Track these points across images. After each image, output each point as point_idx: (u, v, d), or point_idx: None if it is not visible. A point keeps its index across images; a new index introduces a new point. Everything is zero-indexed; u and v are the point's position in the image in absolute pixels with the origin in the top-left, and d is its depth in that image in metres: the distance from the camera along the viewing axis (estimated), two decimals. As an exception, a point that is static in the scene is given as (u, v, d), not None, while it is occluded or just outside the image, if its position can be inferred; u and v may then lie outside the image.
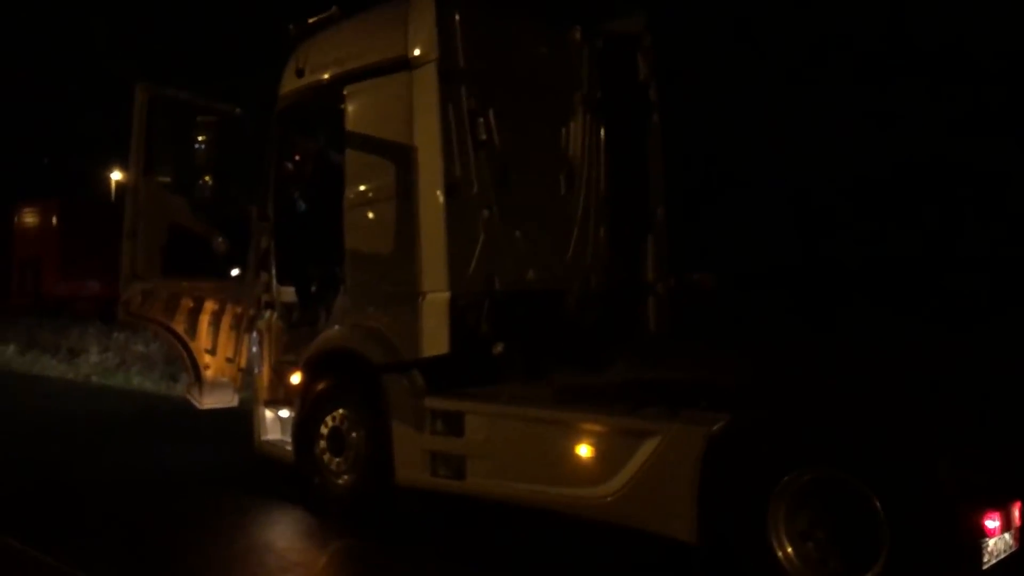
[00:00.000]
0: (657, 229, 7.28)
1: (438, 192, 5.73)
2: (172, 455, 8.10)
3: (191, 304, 6.68)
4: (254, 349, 6.94)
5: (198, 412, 7.47)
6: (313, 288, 6.72)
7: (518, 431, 5.30)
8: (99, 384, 14.07)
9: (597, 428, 5.00)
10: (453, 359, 5.78)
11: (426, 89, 5.74)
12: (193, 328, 6.71)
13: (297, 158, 6.87)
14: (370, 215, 6.14)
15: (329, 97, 6.54)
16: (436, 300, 5.74)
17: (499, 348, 6.11)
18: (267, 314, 7.06)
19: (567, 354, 6.51)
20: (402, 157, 5.89)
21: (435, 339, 5.73)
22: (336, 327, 6.49)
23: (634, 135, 7.32)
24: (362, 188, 6.20)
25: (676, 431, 4.66)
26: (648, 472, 4.72)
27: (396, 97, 5.95)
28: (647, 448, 4.73)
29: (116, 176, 41.06)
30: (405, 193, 5.88)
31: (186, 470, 7.51)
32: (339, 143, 6.63)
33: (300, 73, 6.58)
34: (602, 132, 7.04)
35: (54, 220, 25.74)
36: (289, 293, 6.96)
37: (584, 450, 4.96)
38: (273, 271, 6.98)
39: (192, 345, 6.71)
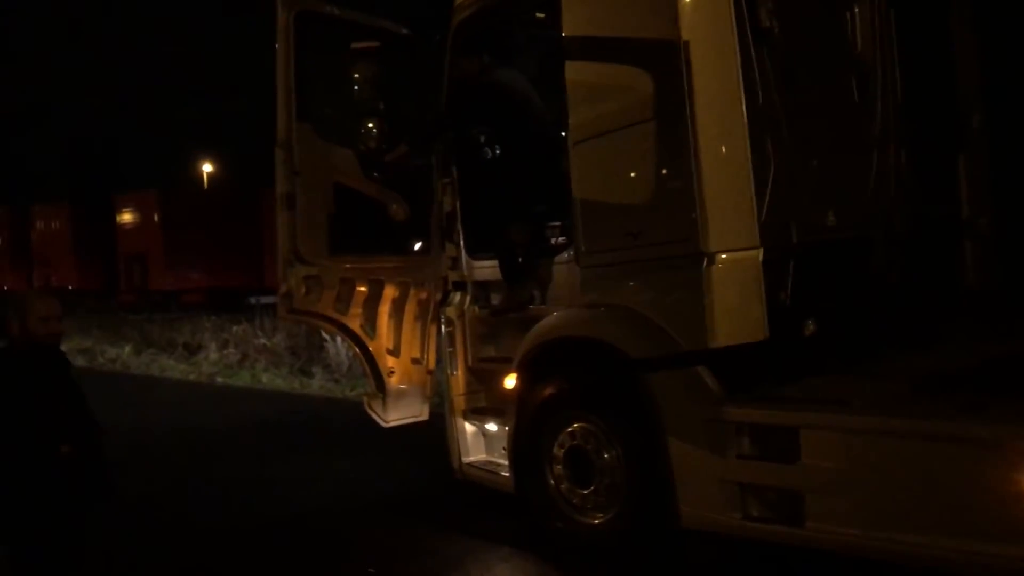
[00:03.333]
0: (972, 145, 5.33)
1: (731, 104, 3.92)
2: (350, 476, 6.56)
3: (367, 292, 5.04)
4: (447, 347, 5.27)
5: (353, 418, 5.88)
6: (520, 258, 4.98)
7: (906, 456, 3.47)
8: (225, 385, 12.76)
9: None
10: (762, 348, 4.00)
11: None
12: (372, 323, 5.08)
13: (484, 88, 5.10)
14: (610, 150, 4.36)
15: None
16: (739, 263, 3.94)
17: (811, 327, 4.31)
18: (456, 298, 5.40)
19: (881, 325, 4.70)
20: (662, 60, 4.08)
21: (741, 319, 3.95)
22: (564, 310, 4.77)
23: (935, 15, 5.39)
24: (595, 113, 4.41)
25: None
26: None
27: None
28: None
29: (207, 168, 40.71)
30: (669, 113, 4.07)
31: (371, 496, 5.97)
32: (548, 63, 4.88)
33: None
34: (892, 14, 5.10)
35: (156, 212, 24.93)
36: (485, 269, 5.27)
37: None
38: (461, 241, 5.31)
39: (372, 346, 5.09)
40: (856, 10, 4.94)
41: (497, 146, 5.16)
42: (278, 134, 4.66)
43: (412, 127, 5.23)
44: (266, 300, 19.43)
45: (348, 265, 4.95)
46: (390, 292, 5.14)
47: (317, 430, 8.67)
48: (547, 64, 5.21)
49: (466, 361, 5.34)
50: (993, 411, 3.40)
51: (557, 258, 4.85)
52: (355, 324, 5.05)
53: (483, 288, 5.34)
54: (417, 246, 5.31)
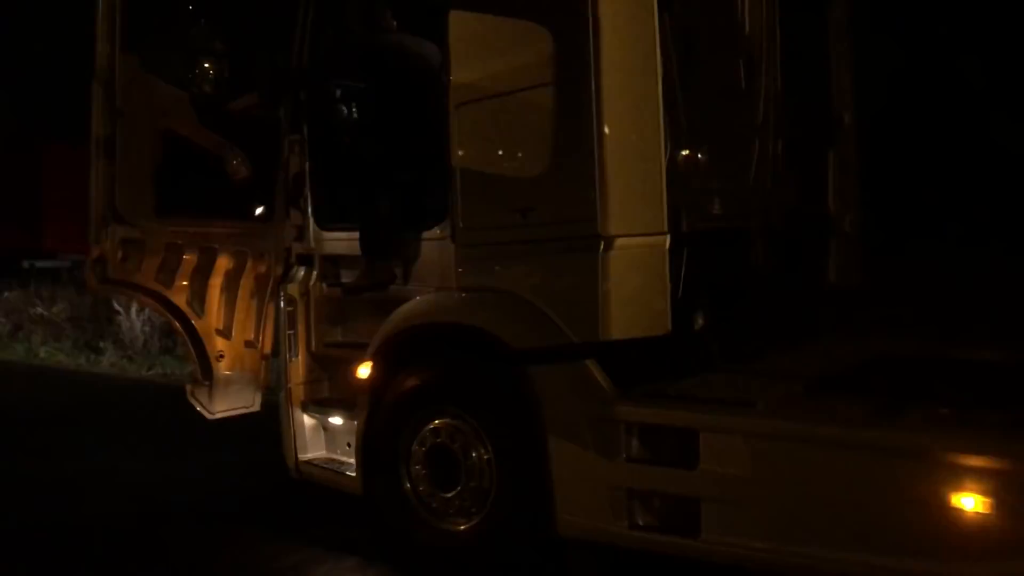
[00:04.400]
0: (842, 143, 5.29)
1: (645, 72, 3.53)
2: (158, 473, 5.68)
3: (196, 261, 4.28)
4: (287, 329, 4.59)
5: (156, 401, 5.08)
6: (383, 231, 4.39)
7: (817, 464, 3.22)
8: (-7, 359, 11.21)
9: (989, 464, 2.98)
10: (648, 343, 3.67)
11: None
12: (201, 299, 4.32)
13: (346, 31, 4.46)
14: (499, 115, 3.87)
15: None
16: (642, 249, 3.57)
17: (700, 321, 4.04)
18: (300, 273, 4.72)
19: (757, 321, 4.53)
20: (564, 17, 3.64)
21: (640, 311, 3.59)
22: (434, 292, 4.24)
23: (813, 9, 5.29)
24: (483, 73, 3.91)
25: None
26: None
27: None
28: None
29: None
30: (570, 77, 3.63)
31: (188, 494, 5.17)
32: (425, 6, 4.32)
33: None
34: (777, 4, 4.93)
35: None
36: (337, 241, 4.64)
37: (968, 501, 2.94)
38: (309, 208, 4.65)
39: (199, 325, 4.33)
40: (745, -9, 4.74)
41: (358, 102, 4.54)
42: (96, 64, 3.82)
43: (260, 72, 4.49)
44: (43, 264, 17.50)
45: (176, 229, 4.18)
46: (224, 263, 4.41)
47: (111, 416, 7.60)
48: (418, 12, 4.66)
49: (309, 345, 4.68)
50: (908, 418, 3.24)
51: (427, 233, 4.31)
52: (180, 299, 4.29)
53: (333, 263, 4.69)
54: (259, 211, 4.59)
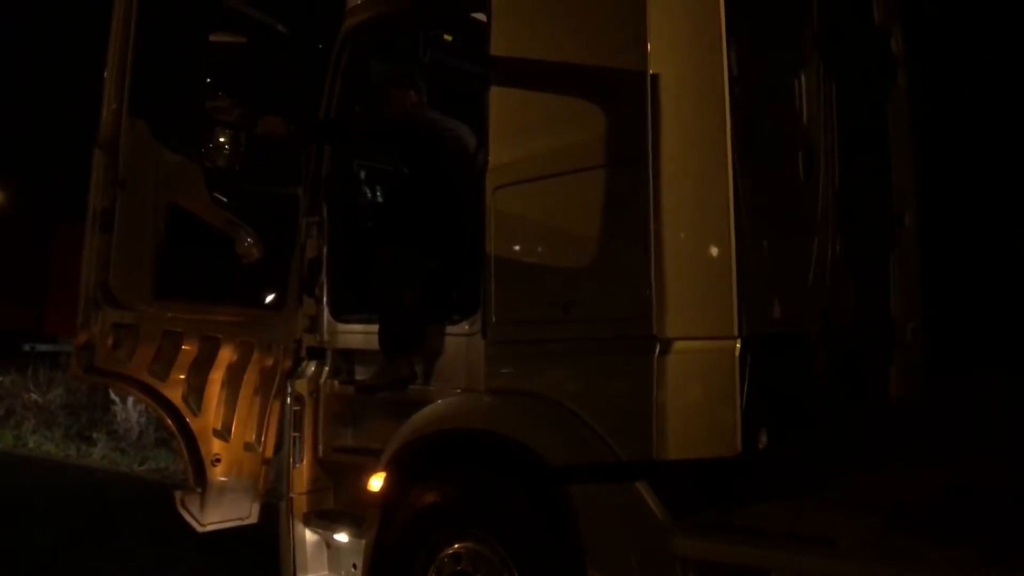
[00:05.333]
0: (904, 244, 4.88)
1: (714, 156, 3.15)
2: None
3: (196, 352, 3.83)
4: (292, 431, 4.10)
5: (143, 498, 4.53)
6: (404, 325, 3.94)
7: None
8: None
9: None
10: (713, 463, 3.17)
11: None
12: (198, 394, 3.86)
13: (374, 106, 4.12)
14: (541, 199, 3.47)
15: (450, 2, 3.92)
16: (706, 354, 3.11)
17: (764, 439, 3.54)
18: (310, 368, 4.26)
19: (824, 440, 4.03)
20: (620, 95, 3.28)
21: (704, 427, 3.11)
22: (459, 395, 3.77)
23: (872, 102, 4.96)
24: (524, 153, 3.53)
25: None
26: None
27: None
28: None
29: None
30: (625, 160, 3.25)
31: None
32: (466, 81, 4.00)
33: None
34: (833, 89, 4.60)
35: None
36: (352, 334, 4.19)
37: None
38: (325, 297, 4.22)
39: (195, 425, 3.86)
40: (803, 77, 4.41)
41: (384, 183, 4.16)
42: (100, 129, 3.46)
43: (276, 146, 4.12)
44: (43, 348, 17.08)
45: (176, 314, 3.74)
46: (227, 354, 3.95)
47: (90, 513, 7.02)
48: (450, 90, 4.34)
49: (315, 450, 4.19)
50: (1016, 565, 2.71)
51: (453, 328, 3.86)
52: (175, 394, 3.81)
53: (346, 358, 4.24)
54: (269, 298, 4.16)
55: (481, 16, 4.19)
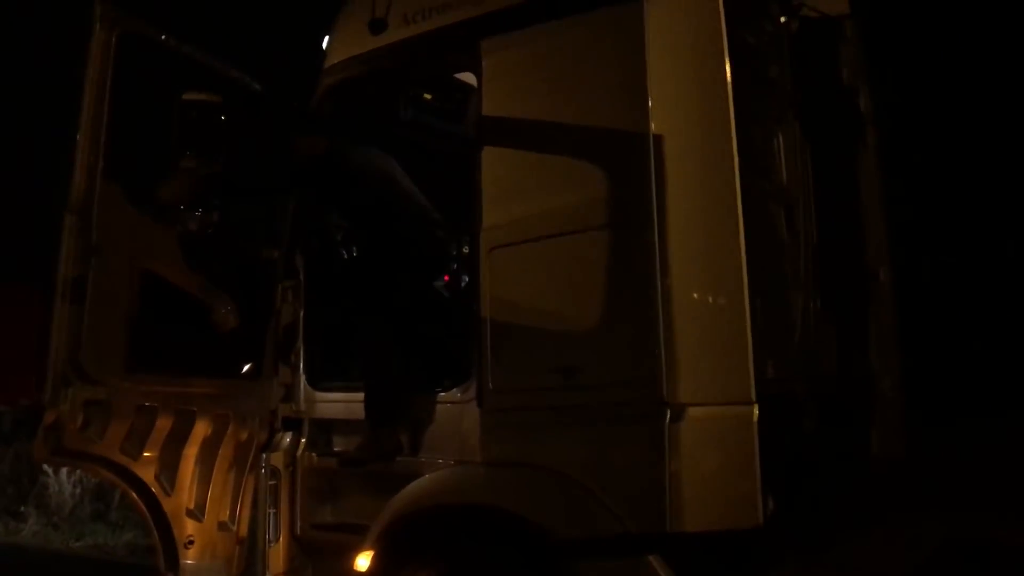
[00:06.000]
0: (879, 300, 4.91)
1: (723, 212, 3.09)
2: None
3: (171, 425, 3.58)
4: (268, 507, 3.85)
5: None
6: (392, 393, 3.76)
7: None
8: None
9: None
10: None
11: (698, 17, 3.12)
12: (172, 473, 3.60)
13: (350, 166, 3.98)
14: (539, 260, 3.37)
15: (435, 61, 3.83)
16: (722, 421, 3.01)
17: (772, 505, 3.45)
18: (285, 440, 4.04)
19: (820, 501, 3.97)
20: (621, 154, 3.22)
21: (720, 497, 3.00)
22: (452, 467, 3.59)
23: (843, 160, 5.01)
24: (520, 213, 3.43)
25: None
26: None
27: (597, 47, 3.30)
28: None
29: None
30: (628, 219, 3.17)
31: None
32: (448, 140, 3.90)
33: (378, 26, 3.77)
34: (808, 149, 4.66)
35: None
36: (331, 403, 3.99)
37: None
38: (302, 364, 4.02)
39: (168, 505, 3.59)
40: (780, 137, 4.45)
41: (363, 243, 4.01)
42: (72, 193, 3.25)
43: (256, 208, 3.95)
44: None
45: (150, 388, 3.50)
46: (202, 429, 3.72)
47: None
48: (433, 152, 4.25)
49: (293, 527, 3.95)
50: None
51: (445, 395, 3.70)
52: (148, 473, 3.56)
53: (325, 429, 4.04)
54: (245, 368, 3.94)
55: (464, 77, 4.15)
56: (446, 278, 4.41)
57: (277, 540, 3.94)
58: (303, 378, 4.03)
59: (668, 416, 3.02)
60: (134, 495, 3.63)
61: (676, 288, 3.05)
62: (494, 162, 3.51)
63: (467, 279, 3.86)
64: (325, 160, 4.00)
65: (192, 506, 3.75)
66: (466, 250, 3.95)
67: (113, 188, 3.40)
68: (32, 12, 16.50)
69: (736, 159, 3.11)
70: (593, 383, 3.22)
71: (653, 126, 3.13)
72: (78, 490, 9.53)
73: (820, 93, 4.81)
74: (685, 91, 3.18)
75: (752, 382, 2.99)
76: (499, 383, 3.43)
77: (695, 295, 3.07)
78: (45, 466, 9.68)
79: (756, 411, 2.97)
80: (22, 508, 9.80)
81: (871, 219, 5.02)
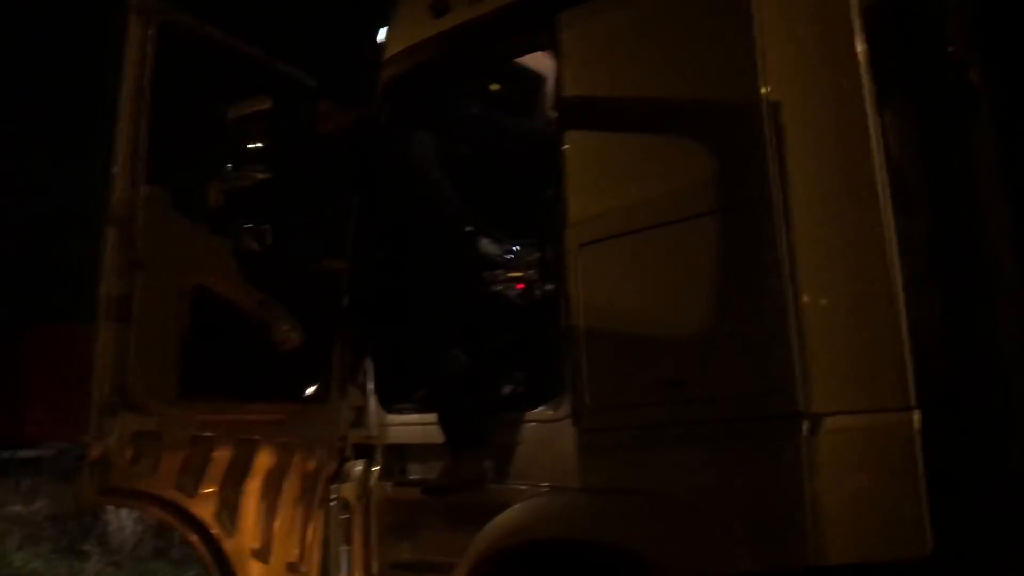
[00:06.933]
0: (1006, 294, 4.40)
1: (864, 190, 2.67)
2: None
3: (231, 457, 3.25)
4: (340, 544, 3.48)
5: None
6: (473, 414, 3.38)
7: None
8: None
9: None
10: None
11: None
12: (233, 510, 3.26)
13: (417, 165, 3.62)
14: (639, 256, 2.96)
15: (504, 42, 3.47)
16: (876, 432, 2.56)
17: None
18: (357, 469, 3.67)
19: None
20: (727, 127, 2.81)
21: (880, 523, 2.54)
22: (545, 495, 3.18)
23: (954, 140, 4.55)
24: (613, 204, 3.03)
25: None
26: None
27: (695, 16, 2.90)
28: None
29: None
30: (746, 202, 2.75)
31: None
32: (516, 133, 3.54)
33: (440, 9, 3.44)
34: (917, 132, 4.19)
35: None
36: (407, 427, 3.62)
37: None
38: (372, 385, 3.65)
39: (229, 546, 3.24)
40: (888, 113, 3.99)
41: (436, 250, 3.64)
42: (112, 201, 2.94)
43: (317, 216, 3.61)
44: (25, 454, 16.21)
45: (206, 416, 3.16)
46: (265, 460, 3.36)
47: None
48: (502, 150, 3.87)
49: (368, 567, 3.57)
50: None
51: (533, 414, 3.30)
52: (206, 511, 3.21)
53: (400, 456, 3.66)
54: (310, 390, 3.59)
55: (534, 64, 3.78)
56: (519, 286, 4.05)
57: (350, 582, 3.57)
58: (374, 400, 3.68)
59: (805, 429, 2.58)
60: (192, 536, 3.29)
61: (807, 277, 2.62)
62: (579, 149, 3.12)
63: (548, 286, 3.47)
64: (358, 137, 3.62)
65: (257, 546, 3.38)
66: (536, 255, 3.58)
67: (158, 196, 3.08)
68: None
69: (872, 122, 2.68)
70: (707, 396, 2.79)
71: (765, 90, 2.73)
72: (140, 527, 9.32)
73: (926, 68, 4.37)
74: (807, 53, 2.76)
75: (911, 382, 2.53)
76: (598, 399, 3.01)
77: (833, 284, 2.63)
78: (106, 502, 9.51)
79: (917, 418, 2.51)
80: (84, 546, 9.61)
81: (988, 201, 4.55)
